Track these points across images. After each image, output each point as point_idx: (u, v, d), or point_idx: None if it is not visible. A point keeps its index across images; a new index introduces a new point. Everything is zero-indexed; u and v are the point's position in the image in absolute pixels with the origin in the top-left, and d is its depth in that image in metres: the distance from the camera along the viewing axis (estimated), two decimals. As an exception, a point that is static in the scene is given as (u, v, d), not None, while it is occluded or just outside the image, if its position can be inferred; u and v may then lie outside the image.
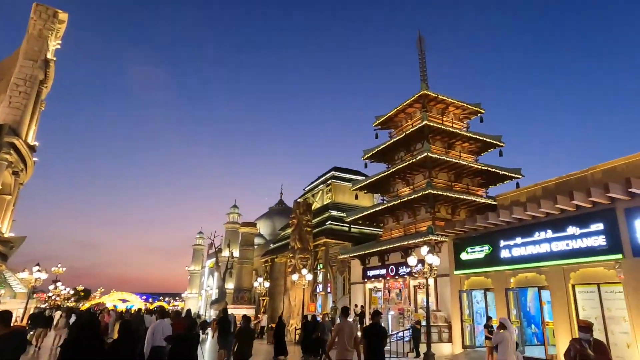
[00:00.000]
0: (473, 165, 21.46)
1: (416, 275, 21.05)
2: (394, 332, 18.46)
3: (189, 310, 22.78)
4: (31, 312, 19.39)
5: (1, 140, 16.74)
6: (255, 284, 32.87)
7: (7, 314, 4.88)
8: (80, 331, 5.52)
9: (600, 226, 12.45)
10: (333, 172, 34.28)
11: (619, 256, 11.89)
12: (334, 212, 31.47)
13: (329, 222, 30.38)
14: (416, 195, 20.80)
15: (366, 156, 26.61)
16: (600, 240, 12.37)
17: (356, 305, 24.06)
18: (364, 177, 27.46)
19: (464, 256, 17.70)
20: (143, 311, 22.11)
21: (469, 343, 16.89)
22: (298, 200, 30.62)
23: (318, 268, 30.69)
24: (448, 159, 20.96)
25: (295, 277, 25.58)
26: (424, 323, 18.29)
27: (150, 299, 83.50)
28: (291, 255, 28.38)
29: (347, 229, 29.32)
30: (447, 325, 18.15)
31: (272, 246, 40.56)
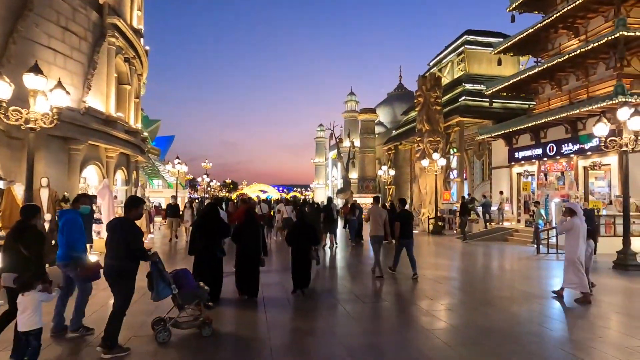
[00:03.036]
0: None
1: (590, 153, 16.32)
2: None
3: (312, 200, 22.78)
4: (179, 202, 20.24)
5: (104, 21, 15.53)
6: (380, 172, 31.00)
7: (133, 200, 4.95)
8: (205, 213, 6.95)
9: None
10: (466, 36, 28.01)
11: None
12: (468, 86, 26.37)
13: (463, 97, 25.62)
14: (596, 44, 14.99)
15: (514, 5, 20.42)
16: None
17: (501, 192, 20.49)
18: (505, 39, 21.39)
19: (679, 121, 12.25)
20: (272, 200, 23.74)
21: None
22: (424, 75, 26.02)
23: (451, 152, 27.00)
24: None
25: (425, 162, 22.51)
26: (603, 212, 14.21)
27: (284, 190, 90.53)
28: (418, 139, 25.01)
29: (486, 104, 24.33)
30: (639, 215, 13.71)
31: (394, 132, 37.46)
